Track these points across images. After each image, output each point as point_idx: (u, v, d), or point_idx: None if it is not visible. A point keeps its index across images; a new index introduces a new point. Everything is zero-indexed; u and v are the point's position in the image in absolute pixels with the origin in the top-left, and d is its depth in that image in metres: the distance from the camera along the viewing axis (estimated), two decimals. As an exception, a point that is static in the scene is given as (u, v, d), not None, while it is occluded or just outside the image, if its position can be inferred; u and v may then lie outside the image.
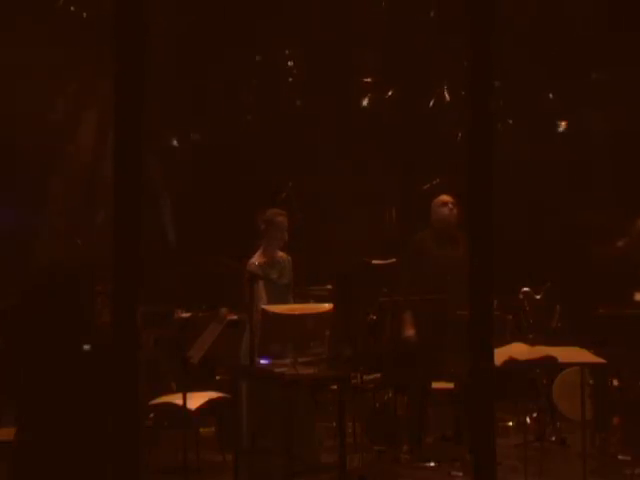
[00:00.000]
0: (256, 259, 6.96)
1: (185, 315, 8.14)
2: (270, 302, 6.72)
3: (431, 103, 10.03)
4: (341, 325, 6.44)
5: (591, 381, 7.33)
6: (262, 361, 6.39)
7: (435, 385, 7.45)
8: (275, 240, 7.01)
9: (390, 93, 10.03)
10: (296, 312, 6.43)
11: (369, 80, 10.13)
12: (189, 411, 6.58)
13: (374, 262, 7.00)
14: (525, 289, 8.16)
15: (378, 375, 7.49)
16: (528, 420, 7.95)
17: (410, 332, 7.48)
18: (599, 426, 7.40)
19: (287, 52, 10.10)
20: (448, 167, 9.17)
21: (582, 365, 6.38)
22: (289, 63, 10.06)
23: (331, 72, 9.91)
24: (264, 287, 6.85)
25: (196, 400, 6.81)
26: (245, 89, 10.09)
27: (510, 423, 8.20)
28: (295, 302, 7.09)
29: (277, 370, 6.23)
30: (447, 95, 9.95)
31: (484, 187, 4.04)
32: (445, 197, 7.67)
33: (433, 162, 9.98)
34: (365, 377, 7.10)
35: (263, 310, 6.37)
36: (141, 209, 4.05)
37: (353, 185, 9.83)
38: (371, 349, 7.45)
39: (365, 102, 10.15)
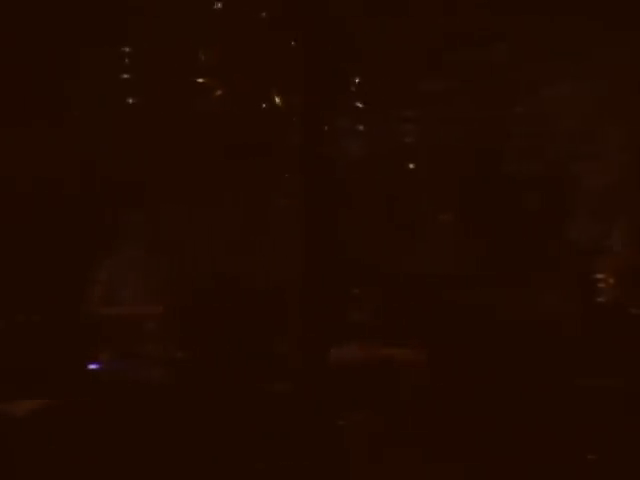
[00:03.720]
0: None
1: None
2: None
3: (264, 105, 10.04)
4: (176, 326, 6.42)
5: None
6: (91, 366, 6.30)
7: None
8: None
9: (221, 92, 9.98)
10: (127, 313, 6.38)
11: (202, 80, 10.06)
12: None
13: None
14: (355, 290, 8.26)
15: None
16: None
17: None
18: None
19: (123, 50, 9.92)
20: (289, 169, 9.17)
21: (414, 365, 6.51)
22: (125, 61, 9.88)
23: (164, 71, 9.80)
24: None
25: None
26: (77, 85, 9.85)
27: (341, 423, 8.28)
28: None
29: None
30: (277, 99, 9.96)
31: (321, 185, 4.07)
32: None
33: (273, 162, 9.97)
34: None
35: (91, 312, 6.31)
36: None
37: (194, 186, 9.74)
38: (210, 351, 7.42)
39: (199, 102, 10.09)
